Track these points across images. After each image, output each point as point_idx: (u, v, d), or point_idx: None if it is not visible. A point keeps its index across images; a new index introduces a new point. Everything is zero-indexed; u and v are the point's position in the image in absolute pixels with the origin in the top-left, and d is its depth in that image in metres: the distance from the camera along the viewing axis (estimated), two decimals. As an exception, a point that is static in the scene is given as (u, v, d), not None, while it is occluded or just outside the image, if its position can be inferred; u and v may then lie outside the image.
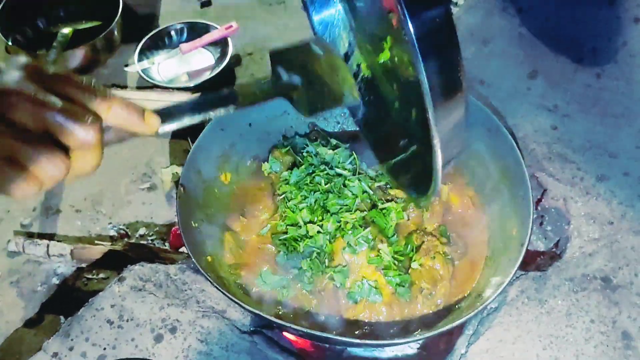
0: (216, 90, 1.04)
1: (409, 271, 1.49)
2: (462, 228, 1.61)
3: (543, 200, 1.76)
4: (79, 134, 0.80)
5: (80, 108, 0.82)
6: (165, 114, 0.98)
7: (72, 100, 0.82)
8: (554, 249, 1.70)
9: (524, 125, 1.90)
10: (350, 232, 1.49)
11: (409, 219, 1.59)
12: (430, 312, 1.45)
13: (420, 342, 1.57)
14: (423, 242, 1.53)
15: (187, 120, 1.01)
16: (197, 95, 1.05)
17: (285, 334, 1.56)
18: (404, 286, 1.45)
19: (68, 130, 0.79)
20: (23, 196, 0.79)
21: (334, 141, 1.75)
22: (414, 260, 1.49)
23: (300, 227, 1.53)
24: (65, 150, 0.81)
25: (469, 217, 1.63)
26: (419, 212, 1.60)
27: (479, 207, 1.64)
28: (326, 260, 1.49)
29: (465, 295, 1.49)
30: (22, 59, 0.83)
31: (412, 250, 1.52)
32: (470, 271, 1.54)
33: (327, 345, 1.57)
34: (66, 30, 2.35)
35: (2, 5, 2.37)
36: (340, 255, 1.48)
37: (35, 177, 0.78)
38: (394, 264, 1.47)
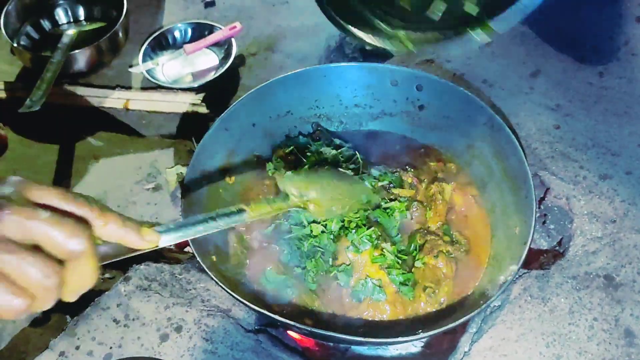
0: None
1: (412, 270, 1.50)
2: (465, 227, 1.62)
3: (546, 198, 1.76)
4: (67, 245, 0.79)
5: (68, 219, 0.81)
6: (165, 230, 0.98)
7: (63, 213, 0.82)
8: (556, 247, 1.71)
9: (527, 124, 1.90)
10: (353, 231, 1.50)
11: (412, 218, 1.60)
12: (434, 310, 1.46)
13: (424, 340, 1.58)
14: (426, 241, 1.54)
15: (190, 234, 1.04)
16: (203, 216, 1.08)
17: (289, 332, 1.57)
18: (407, 285, 1.45)
19: (55, 240, 0.79)
20: (14, 313, 0.77)
21: (337, 141, 1.76)
22: (417, 259, 1.50)
23: (304, 226, 1.54)
24: (58, 262, 0.79)
25: (471, 216, 1.64)
26: (422, 212, 1.61)
27: (481, 206, 1.64)
28: (330, 260, 1.50)
29: (469, 293, 1.50)
30: (16, 178, 0.83)
31: (416, 249, 1.53)
32: (474, 270, 1.54)
33: (332, 344, 1.57)
34: (71, 32, 2.36)
35: (6, 7, 2.38)
36: (344, 254, 1.49)
37: (25, 290, 0.77)
38: (398, 262, 1.48)
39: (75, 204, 0.84)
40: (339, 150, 1.71)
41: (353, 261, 1.48)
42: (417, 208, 1.60)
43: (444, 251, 1.51)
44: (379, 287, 1.45)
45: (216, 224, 1.09)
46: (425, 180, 1.68)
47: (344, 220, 1.53)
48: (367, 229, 1.50)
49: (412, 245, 1.54)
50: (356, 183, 1.60)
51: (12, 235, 0.77)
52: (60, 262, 0.79)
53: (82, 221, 0.84)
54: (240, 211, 1.15)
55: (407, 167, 1.70)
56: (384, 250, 1.48)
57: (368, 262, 1.47)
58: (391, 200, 1.61)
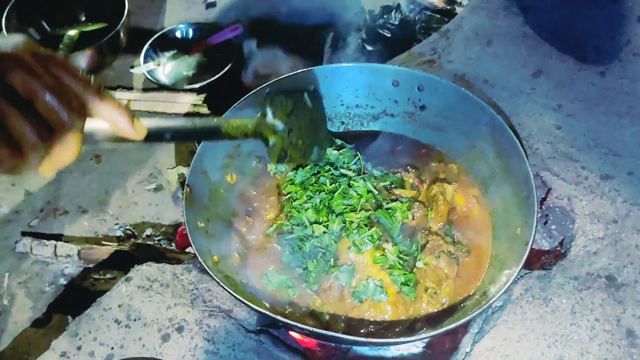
0: (206, 115, 1.08)
1: (414, 270, 1.50)
2: (467, 227, 1.61)
3: (547, 199, 1.76)
4: (61, 114, 0.83)
5: (69, 91, 0.85)
6: (154, 127, 1.02)
7: (65, 84, 0.85)
8: (558, 248, 1.70)
9: (528, 125, 1.90)
10: (355, 231, 1.50)
11: (413, 219, 1.60)
12: (435, 311, 1.46)
13: (425, 340, 1.58)
14: (428, 241, 1.53)
15: (171, 139, 1.08)
16: (187, 119, 1.10)
17: (291, 333, 1.57)
18: (408, 285, 1.45)
19: (52, 106, 0.82)
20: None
21: (338, 141, 1.76)
22: (419, 260, 1.50)
23: (306, 227, 1.54)
24: (49, 127, 0.83)
25: (473, 216, 1.64)
26: (423, 212, 1.60)
27: (483, 207, 1.64)
28: (332, 260, 1.50)
29: (470, 294, 1.50)
30: (20, 36, 0.85)
31: (417, 250, 1.53)
32: (475, 270, 1.54)
33: (333, 344, 1.57)
34: (72, 33, 2.37)
35: (8, 7, 2.39)
36: (345, 254, 1.49)
37: (13, 143, 0.81)
38: (399, 263, 1.48)
39: (77, 77, 0.87)
40: (341, 151, 1.71)
41: (355, 262, 1.48)
42: (418, 208, 1.60)
43: (446, 252, 1.51)
44: (381, 287, 1.45)
45: (193, 123, 1.12)
46: (426, 180, 1.68)
47: (345, 220, 1.53)
48: (369, 229, 1.50)
49: (414, 245, 1.53)
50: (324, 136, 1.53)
51: (16, 88, 0.81)
52: (51, 129, 0.83)
53: (80, 95, 0.87)
54: (217, 127, 1.16)
55: (408, 167, 1.70)
56: (385, 250, 1.48)
57: (370, 263, 1.48)
58: (393, 200, 1.61)
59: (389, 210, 1.58)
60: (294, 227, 1.55)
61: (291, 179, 1.66)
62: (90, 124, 0.92)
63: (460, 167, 1.72)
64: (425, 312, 1.46)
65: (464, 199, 1.66)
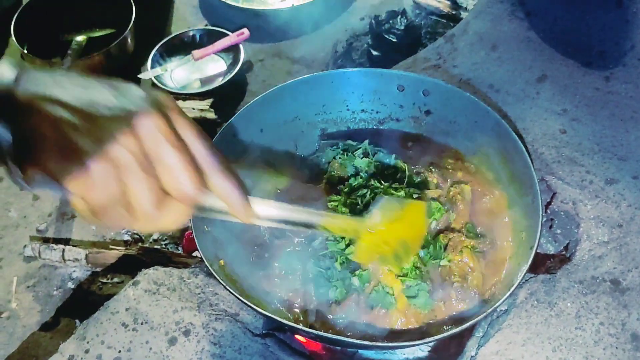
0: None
1: (439, 270, 1.49)
2: (488, 221, 1.61)
3: (552, 203, 1.77)
4: (182, 186, 0.79)
5: (194, 162, 0.81)
6: (263, 215, 0.96)
7: (196, 155, 0.82)
8: (563, 252, 1.71)
9: (533, 129, 1.91)
10: None
11: (438, 224, 1.59)
12: (465, 307, 1.45)
13: (430, 344, 1.58)
14: (449, 239, 1.53)
15: (279, 225, 1.01)
16: (297, 209, 1.03)
17: (297, 336, 1.58)
18: (416, 297, 1.44)
19: (175, 175, 0.78)
20: (115, 224, 0.79)
21: (369, 147, 1.75)
22: (443, 258, 1.50)
23: (338, 241, 1.52)
24: (165, 193, 0.80)
25: (493, 210, 1.63)
26: (445, 215, 1.59)
27: (500, 200, 1.63)
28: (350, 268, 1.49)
29: (497, 285, 1.49)
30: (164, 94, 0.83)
31: (442, 249, 1.52)
32: (501, 262, 1.53)
33: (339, 348, 1.58)
34: (80, 38, 2.39)
35: (17, 13, 2.41)
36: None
37: (131, 207, 0.77)
38: (414, 270, 1.47)
39: (211, 149, 0.84)
40: (374, 159, 1.71)
41: (369, 268, 1.47)
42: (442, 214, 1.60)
43: (468, 246, 1.51)
44: (391, 295, 1.44)
45: (299, 216, 1.04)
46: (449, 180, 1.67)
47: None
48: None
49: (438, 246, 1.52)
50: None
51: (145, 147, 0.76)
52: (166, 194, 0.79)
53: (207, 170, 0.83)
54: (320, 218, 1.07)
55: (431, 167, 1.69)
56: None
57: (384, 270, 1.47)
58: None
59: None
60: (327, 242, 1.53)
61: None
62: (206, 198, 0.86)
63: (467, 163, 1.71)
64: (434, 320, 1.45)
65: (480, 194, 1.65)
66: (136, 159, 0.75)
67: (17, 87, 0.74)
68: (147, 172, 0.77)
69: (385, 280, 1.46)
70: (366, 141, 1.76)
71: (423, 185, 1.66)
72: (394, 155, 1.72)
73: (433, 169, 1.69)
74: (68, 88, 0.76)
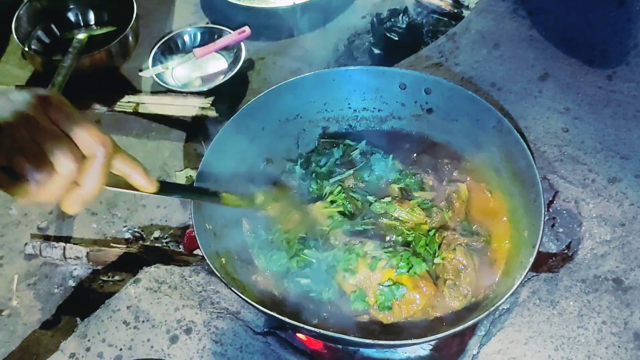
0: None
1: (433, 268, 1.49)
2: (484, 219, 1.61)
3: (555, 202, 1.76)
4: (94, 144, 0.94)
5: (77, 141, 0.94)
6: (165, 185, 1.16)
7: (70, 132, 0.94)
8: (565, 251, 1.71)
9: (535, 128, 1.91)
10: (340, 258, 1.50)
11: (433, 224, 1.59)
12: (459, 306, 1.45)
13: (432, 343, 1.58)
14: (443, 237, 1.53)
15: (178, 197, 1.38)
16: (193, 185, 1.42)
17: (298, 334, 1.58)
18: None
19: (87, 135, 0.94)
20: (33, 187, 0.90)
21: (365, 146, 1.75)
22: (437, 256, 1.50)
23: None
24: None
25: (489, 208, 1.63)
26: (442, 215, 1.59)
27: (497, 198, 1.63)
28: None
29: (493, 283, 1.49)
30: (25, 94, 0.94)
31: (436, 247, 1.52)
32: (495, 260, 1.54)
33: (340, 346, 1.58)
34: (81, 36, 2.38)
35: (18, 12, 2.40)
36: (346, 285, 1.48)
37: (50, 167, 0.90)
38: (389, 252, 1.47)
39: (87, 128, 0.95)
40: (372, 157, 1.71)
41: (358, 283, 1.47)
42: (437, 213, 1.59)
43: (462, 244, 1.51)
44: (394, 285, 1.44)
45: (194, 195, 1.41)
46: (444, 180, 1.67)
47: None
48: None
49: (432, 244, 1.52)
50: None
51: (56, 119, 0.92)
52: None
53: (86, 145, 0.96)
54: (216, 194, 1.40)
55: (428, 169, 1.69)
56: (367, 253, 1.47)
57: (369, 274, 1.46)
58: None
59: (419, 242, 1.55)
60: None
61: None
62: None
63: (472, 163, 1.71)
64: (449, 308, 1.45)
65: (478, 192, 1.65)
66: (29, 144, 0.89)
67: None
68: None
69: (377, 279, 1.45)
70: (363, 142, 1.76)
71: (418, 187, 1.66)
72: (391, 156, 1.71)
73: (430, 170, 1.69)
74: None
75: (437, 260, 1.50)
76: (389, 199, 1.60)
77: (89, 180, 0.95)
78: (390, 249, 1.48)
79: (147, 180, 1.08)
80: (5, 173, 0.90)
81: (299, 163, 1.74)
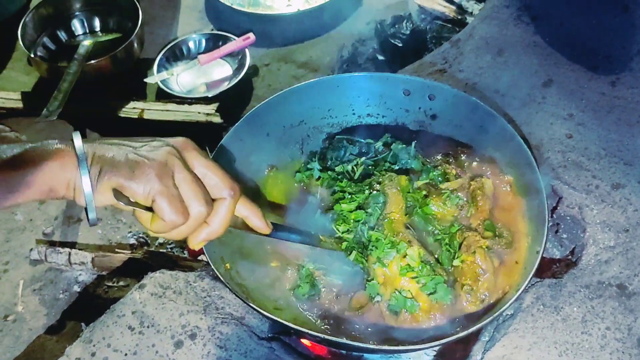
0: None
1: (451, 270, 1.48)
2: (507, 218, 1.59)
3: (558, 208, 1.76)
4: (223, 189, 1.08)
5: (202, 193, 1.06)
6: (276, 227, 1.26)
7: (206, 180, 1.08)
8: (569, 257, 1.71)
9: (539, 134, 1.91)
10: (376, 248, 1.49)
11: (456, 222, 1.58)
12: (475, 310, 1.44)
13: (436, 348, 1.58)
14: (465, 238, 1.51)
15: (291, 239, 1.38)
16: (302, 230, 1.45)
17: (302, 340, 1.58)
18: (436, 292, 1.42)
19: (216, 180, 1.08)
20: (169, 225, 1.03)
21: (385, 139, 1.76)
22: (456, 258, 1.49)
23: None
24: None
25: (510, 205, 1.61)
26: (466, 209, 1.58)
27: (517, 194, 1.61)
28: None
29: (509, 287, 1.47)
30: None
31: (457, 248, 1.50)
32: (515, 264, 1.51)
33: (344, 352, 1.58)
34: (87, 43, 2.40)
35: (24, 18, 2.42)
36: (374, 270, 1.47)
37: (184, 210, 1.02)
38: (426, 267, 1.45)
39: (223, 177, 1.09)
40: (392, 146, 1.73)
41: (384, 275, 1.46)
42: (464, 204, 1.59)
43: (483, 247, 1.48)
44: (411, 298, 1.43)
45: (299, 238, 1.42)
46: (467, 173, 1.66)
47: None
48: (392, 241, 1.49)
49: (454, 245, 1.51)
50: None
51: (192, 164, 1.06)
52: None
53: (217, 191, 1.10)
54: (317, 237, 1.50)
55: (449, 159, 1.69)
56: (407, 257, 1.45)
57: (397, 274, 1.45)
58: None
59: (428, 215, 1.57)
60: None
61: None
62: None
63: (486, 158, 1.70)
64: (464, 312, 1.43)
65: (498, 188, 1.63)
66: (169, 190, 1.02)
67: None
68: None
69: (401, 285, 1.45)
70: (387, 134, 1.77)
71: (442, 179, 1.64)
72: (413, 144, 1.71)
73: (451, 161, 1.68)
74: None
75: (456, 262, 1.48)
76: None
77: (217, 221, 1.08)
78: (428, 266, 1.46)
79: (264, 224, 1.20)
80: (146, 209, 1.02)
81: (316, 158, 1.74)
